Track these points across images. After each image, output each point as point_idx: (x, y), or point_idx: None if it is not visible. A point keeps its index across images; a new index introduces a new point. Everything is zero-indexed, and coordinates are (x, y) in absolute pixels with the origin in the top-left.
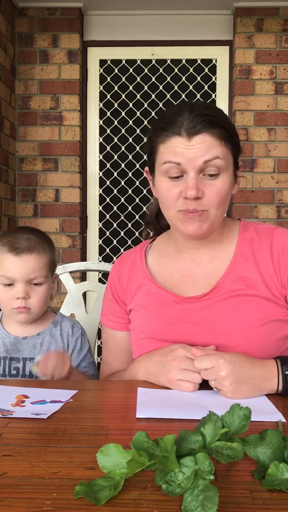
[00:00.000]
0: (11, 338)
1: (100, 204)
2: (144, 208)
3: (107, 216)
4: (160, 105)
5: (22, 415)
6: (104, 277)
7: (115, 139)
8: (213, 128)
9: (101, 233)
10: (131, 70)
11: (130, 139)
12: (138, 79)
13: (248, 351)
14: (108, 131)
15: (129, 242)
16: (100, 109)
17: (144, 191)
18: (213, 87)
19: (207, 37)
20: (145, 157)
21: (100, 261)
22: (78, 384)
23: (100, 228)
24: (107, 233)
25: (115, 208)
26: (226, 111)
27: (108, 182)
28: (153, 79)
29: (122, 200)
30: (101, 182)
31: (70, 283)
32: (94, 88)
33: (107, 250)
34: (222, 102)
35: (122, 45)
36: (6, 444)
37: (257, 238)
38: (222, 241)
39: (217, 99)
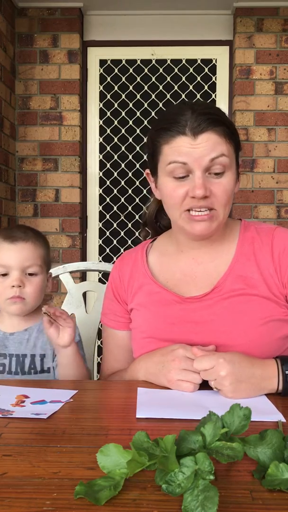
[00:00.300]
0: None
1: (100, 204)
2: (144, 208)
3: (107, 216)
4: (160, 105)
5: (22, 415)
6: (104, 277)
7: (115, 139)
8: (217, 126)
9: (101, 233)
10: (131, 70)
11: (130, 139)
12: (138, 79)
13: (248, 350)
14: (108, 131)
15: (129, 242)
16: (100, 109)
17: (144, 191)
18: (213, 87)
19: (207, 37)
20: (145, 157)
21: (100, 261)
22: (78, 384)
23: (100, 228)
24: (107, 233)
25: (115, 208)
26: (226, 111)
27: (108, 182)
28: (153, 79)
29: (122, 200)
30: (101, 182)
31: (70, 283)
32: (94, 88)
33: (107, 250)
34: (222, 102)
35: (122, 45)
36: (6, 444)
37: (258, 238)
38: (223, 240)
39: (217, 99)
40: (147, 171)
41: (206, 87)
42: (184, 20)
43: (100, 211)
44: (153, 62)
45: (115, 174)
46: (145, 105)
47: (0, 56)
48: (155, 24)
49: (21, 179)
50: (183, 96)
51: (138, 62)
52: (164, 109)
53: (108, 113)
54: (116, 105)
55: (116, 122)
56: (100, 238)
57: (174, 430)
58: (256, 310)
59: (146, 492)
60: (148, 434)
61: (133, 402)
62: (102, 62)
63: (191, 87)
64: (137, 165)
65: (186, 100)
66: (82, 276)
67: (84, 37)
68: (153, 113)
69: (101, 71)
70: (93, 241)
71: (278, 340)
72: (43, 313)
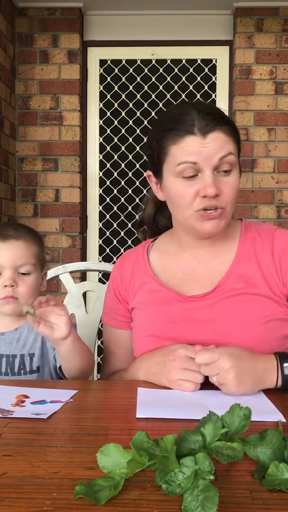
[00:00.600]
0: None
1: (100, 204)
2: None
3: (107, 216)
4: (160, 105)
5: (22, 415)
6: (104, 277)
7: (115, 139)
8: (223, 125)
9: (101, 233)
10: (131, 70)
11: (130, 139)
12: (138, 79)
13: (249, 349)
14: (108, 131)
15: (129, 242)
16: (100, 109)
17: (144, 191)
18: (213, 87)
19: (207, 37)
20: (145, 157)
21: (100, 261)
22: (78, 384)
23: (100, 228)
24: (107, 233)
25: (115, 208)
26: (226, 111)
27: (108, 182)
28: (153, 79)
29: (122, 200)
30: (101, 182)
31: (70, 283)
32: (94, 88)
33: (107, 250)
34: (222, 102)
35: (122, 45)
36: (6, 444)
37: (258, 238)
38: (225, 240)
39: (217, 99)
40: (149, 173)
41: (206, 87)
42: (184, 20)
43: (100, 211)
44: (153, 62)
45: (115, 174)
46: (145, 105)
47: (0, 56)
48: (155, 24)
49: (21, 179)
50: (183, 96)
51: (138, 62)
52: (164, 109)
53: (108, 113)
54: (116, 105)
55: (116, 122)
56: (100, 238)
57: (174, 430)
58: (257, 309)
59: (146, 492)
60: (148, 434)
61: (133, 402)
62: (102, 62)
63: (191, 87)
64: (137, 165)
65: (186, 100)
66: (82, 276)
67: (84, 37)
68: (153, 113)
69: (101, 71)
70: (93, 241)
71: (278, 340)
72: (24, 312)
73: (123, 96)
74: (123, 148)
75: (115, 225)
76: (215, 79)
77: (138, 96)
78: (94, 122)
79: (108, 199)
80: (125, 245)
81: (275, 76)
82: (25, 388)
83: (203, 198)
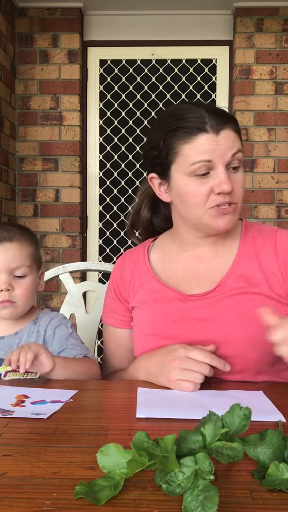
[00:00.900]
0: None
1: (100, 204)
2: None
3: (107, 216)
4: (160, 105)
5: (22, 415)
6: (104, 277)
7: (115, 139)
8: (231, 122)
9: (101, 233)
10: (131, 70)
11: (130, 139)
12: (138, 79)
13: (250, 348)
14: (108, 131)
15: (129, 242)
16: (100, 109)
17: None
18: (213, 87)
19: (207, 37)
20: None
21: (100, 261)
22: (78, 384)
23: (100, 228)
24: (107, 233)
25: (115, 208)
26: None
27: (108, 182)
28: (153, 79)
29: (122, 200)
30: (101, 182)
31: (70, 283)
32: (94, 88)
33: (107, 250)
34: (222, 102)
35: (122, 45)
36: (6, 444)
37: (260, 238)
38: (226, 239)
39: (217, 99)
40: (152, 175)
41: (206, 87)
42: (184, 20)
43: (100, 211)
44: (153, 62)
45: (115, 174)
46: (145, 105)
47: (0, 56)
48: (155, 24)
49: (21, 179)
50: (183, 96)
51: (138, 62)
52: (164, 109)
53: (108, 113)
54: (116, 105)
55: (116, 122)
56: (100, 238)
57: (174, 430)
58: (258, 307)
59: (146, 492)
60: (148, 434)
61: (133, 402)
62: (102, 62)
63: (191, 87)
64: (137, 165)
65: (187, 100)
66: (82, 276)
67: (84, 37)
68: (153, 113)
69: (101, 71)
70: (93, 241)
71: None
72: (29, 379)
73: (123, 96)
74: (123, 148)
75: (115, 225)
76: (215, 79)
77: (138, 96)
78: (94, 122)
79: (108, 199)
80: (125, 245)
81: (275, 76)
82: (25, 388)
83: (217, 195)
